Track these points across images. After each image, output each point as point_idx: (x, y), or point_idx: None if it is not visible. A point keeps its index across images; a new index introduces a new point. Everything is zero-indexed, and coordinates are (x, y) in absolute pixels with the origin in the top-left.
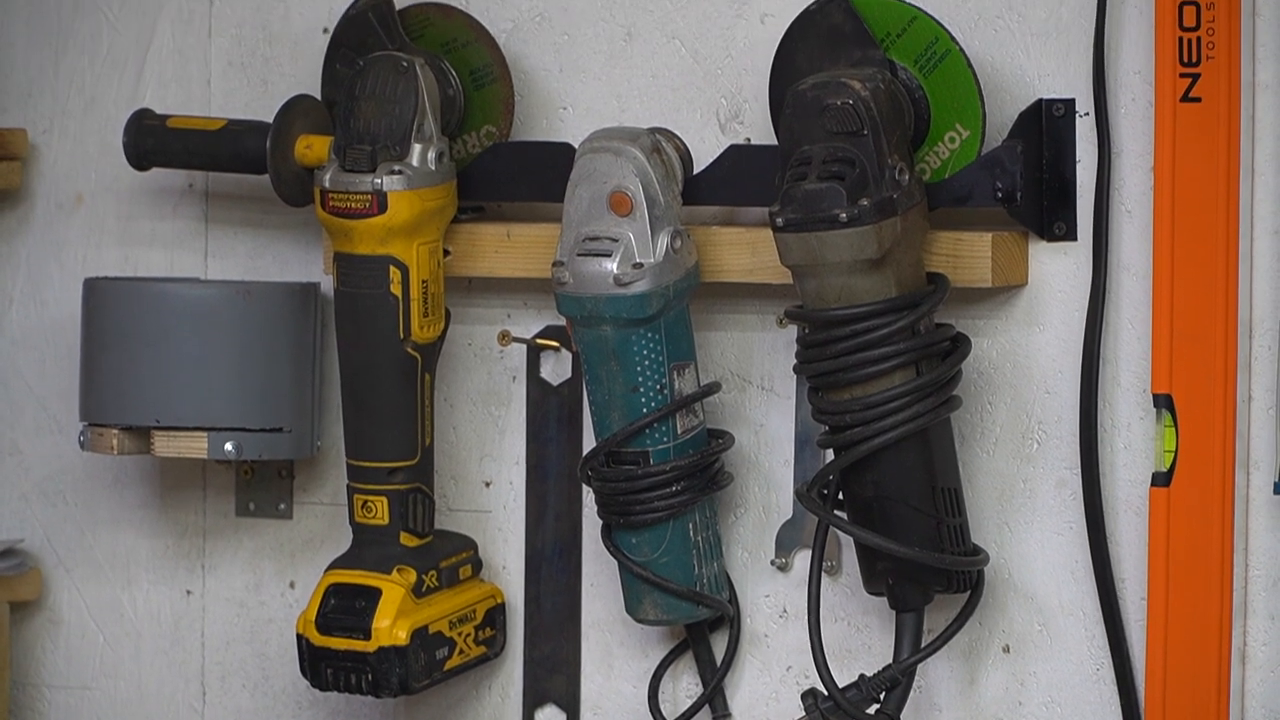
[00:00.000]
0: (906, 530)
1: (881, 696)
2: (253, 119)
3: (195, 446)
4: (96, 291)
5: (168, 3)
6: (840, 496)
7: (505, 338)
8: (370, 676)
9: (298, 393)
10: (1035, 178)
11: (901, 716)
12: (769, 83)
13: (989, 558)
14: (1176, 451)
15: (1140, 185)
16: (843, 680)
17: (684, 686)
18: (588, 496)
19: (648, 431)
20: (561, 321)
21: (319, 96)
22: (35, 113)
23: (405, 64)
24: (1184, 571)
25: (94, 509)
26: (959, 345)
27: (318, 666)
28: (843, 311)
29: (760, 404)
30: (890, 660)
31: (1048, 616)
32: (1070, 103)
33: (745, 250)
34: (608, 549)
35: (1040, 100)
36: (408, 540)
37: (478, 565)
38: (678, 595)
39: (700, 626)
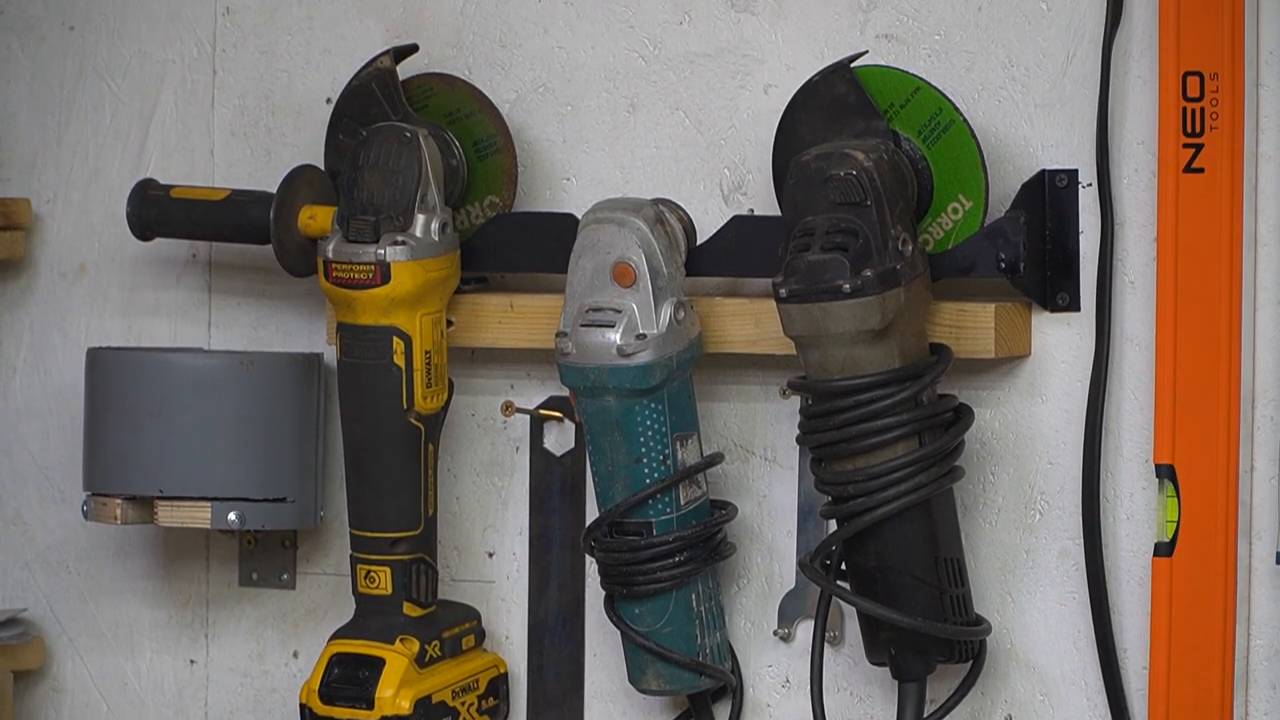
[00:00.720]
0: (909, 600)
1: None
2: (256, 189)
3: (199, 516)
4: (100, 361)
5: (170, 73)
6: (843, 567)
7: (508, 408)
8: None
9: (301, 463)
10: (1038, 248)
11: None
12: (772, 154)
13: (991, 627)
14: (1179, 521)
15: (1143, 256)
16: None
17: None
18: (591, 567)
19: (651, 502)
20: (564, 392)
21: (322, 167)
22: (39, 183)
23: (409, 134)
24: (1186, 641)
25: (97, 578)
26: (962, 416)
27: None
28: (846, 382)
29: (763, 475)
30: None
31: (1050, 686)
32: (1073, 173)
33: (748, 321)
34: (610, 619)
35: (1043, 171)
36: (411, 610)
37: (481, 635)
38: (680, 665)
39: (703, 697)
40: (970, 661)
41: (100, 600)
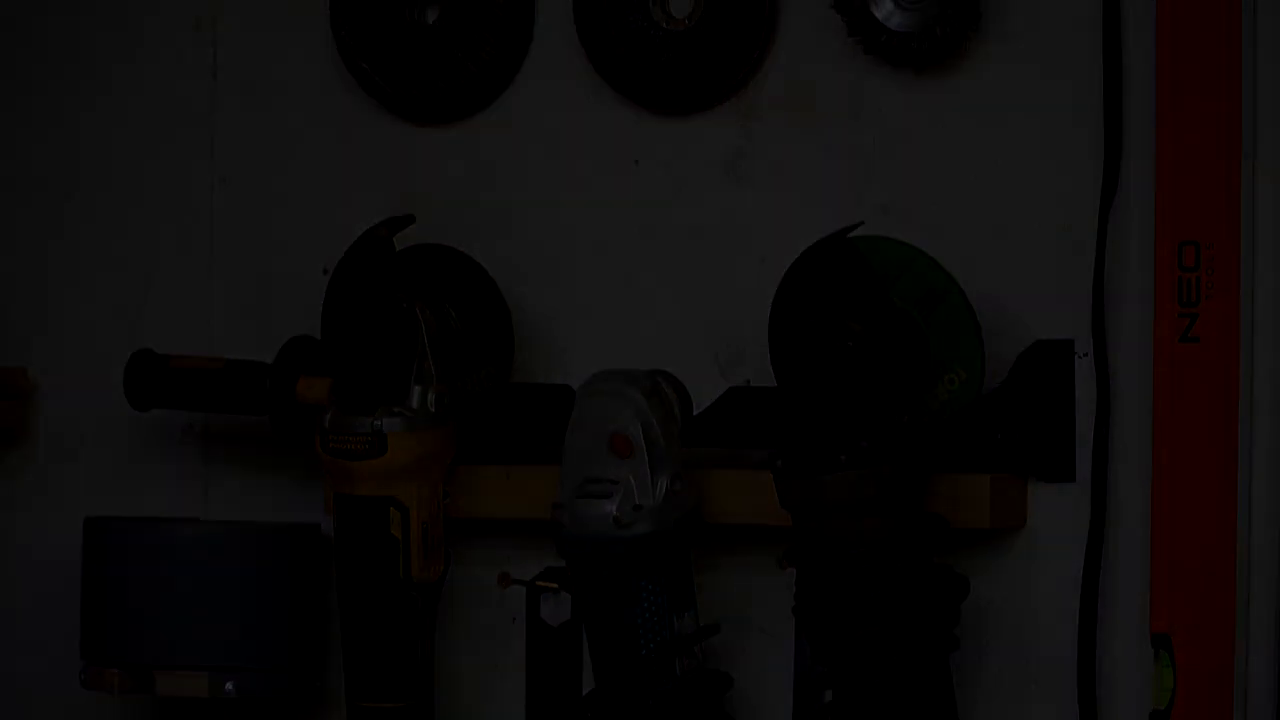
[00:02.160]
0: None
1: None
2: (253, 359)
3: (195, 686)
4: (97, 531)
5: (168, 242)
6: None
7: (505, 579)
8: None
9: (298, 633)
10: (1034, 419)
11: None
12: (769, 325)
13: None
14: (1175, 690)
15: (1139, 426)
16: None
17: None
18: None
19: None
20: (561, 563)
21: (319, 337)
22: (36, 351)
23: (405, 305)
24: None
25: None
26: (957, 587)
27: None
28: (842, 554)
29: (760, 646)
30: None
31: None
32: (1069, 344)
33: (745, 492)
34: None
35: (1039, 341)
36: None
37: None
38: None
39: None
40: None
41: None
